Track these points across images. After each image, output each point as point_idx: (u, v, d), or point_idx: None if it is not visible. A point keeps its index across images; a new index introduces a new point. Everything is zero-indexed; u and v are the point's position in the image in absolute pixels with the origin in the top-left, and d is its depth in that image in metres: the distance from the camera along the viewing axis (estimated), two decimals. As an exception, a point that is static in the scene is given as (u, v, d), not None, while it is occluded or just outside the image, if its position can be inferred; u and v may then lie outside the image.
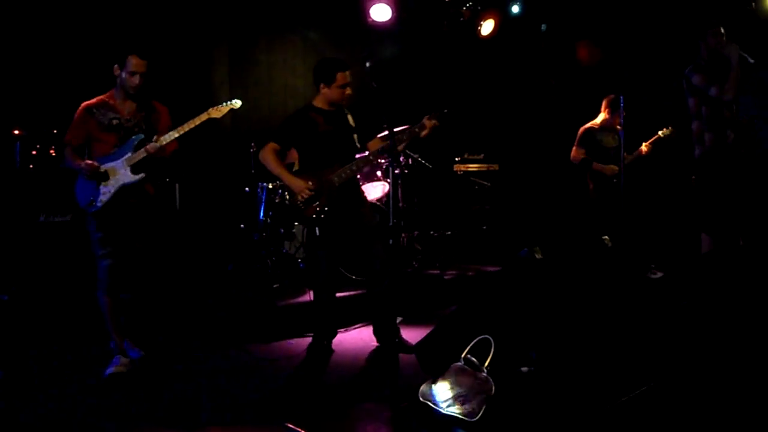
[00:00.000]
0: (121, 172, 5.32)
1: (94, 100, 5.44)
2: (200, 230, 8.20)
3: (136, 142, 5.35)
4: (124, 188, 5.32)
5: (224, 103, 5.53)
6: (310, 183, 5.66)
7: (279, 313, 6.83)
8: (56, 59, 7.38)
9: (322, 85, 5.82)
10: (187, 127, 5.35)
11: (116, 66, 5.35)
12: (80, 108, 5.40)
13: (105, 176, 5.30)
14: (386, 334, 5.81)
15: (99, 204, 5.29)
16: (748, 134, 8.36)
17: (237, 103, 5.58)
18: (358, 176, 6.11)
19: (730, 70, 6.60)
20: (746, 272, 5.54)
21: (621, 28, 10.56)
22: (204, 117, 5.40)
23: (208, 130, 5.58)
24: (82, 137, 5.41)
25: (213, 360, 5.84)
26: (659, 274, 7.71)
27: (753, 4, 9.14)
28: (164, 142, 5.32)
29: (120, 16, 7.66)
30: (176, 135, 5.34)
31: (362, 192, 6.13)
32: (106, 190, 5.30)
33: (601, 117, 8.48)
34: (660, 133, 8.58)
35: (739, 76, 6.55)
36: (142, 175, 5.33)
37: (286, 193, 5.81)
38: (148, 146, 5.31)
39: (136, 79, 5.32)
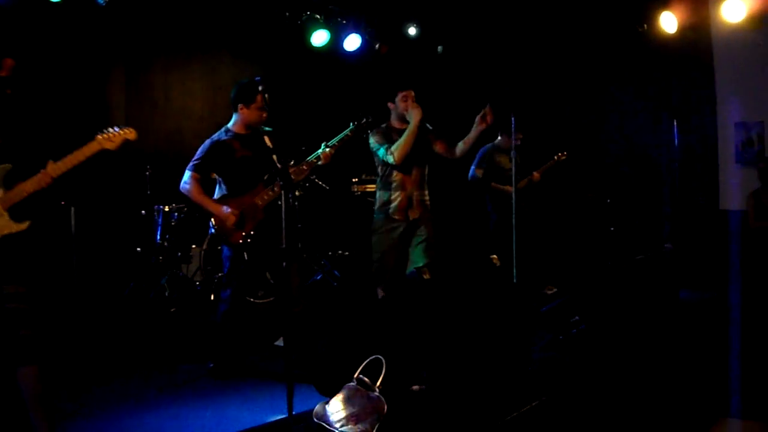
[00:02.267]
0: None
1: None
2: (96, 254, 8.06)
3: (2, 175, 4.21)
4: None
5: (114, 129, 4.57)
6: (235, 209, 5.68)
7: (177, 337, 6.77)
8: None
9: (241, 106, 5.82)
10: (75, 159, 4.34)
11: None
12: None
13: None
14: (302, 354, 5.77)
15: None
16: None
17: (132, 134, 4.62)
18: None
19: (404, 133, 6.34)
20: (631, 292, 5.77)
21: (516, 50, 10.82)
22: (95, 147, 4.46)
23: (103, 151, 5.40)
24: None
25: (109, 387, 5.75)
26: (554, 290, 7.92)
27: (644, 26, 9.44)
28: (56, 174, 4.25)
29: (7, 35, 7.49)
30: (66, 168, 4.29)
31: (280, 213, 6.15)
32: None
33: (499, 138, 8.66)
34: (555, 158, 8.81)
35: (412, 140, 6.26)
36: (28, 223, 4.24)
37: (212, 220, 5.76)
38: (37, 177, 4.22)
39: None
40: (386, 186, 6.53)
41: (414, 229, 6.45)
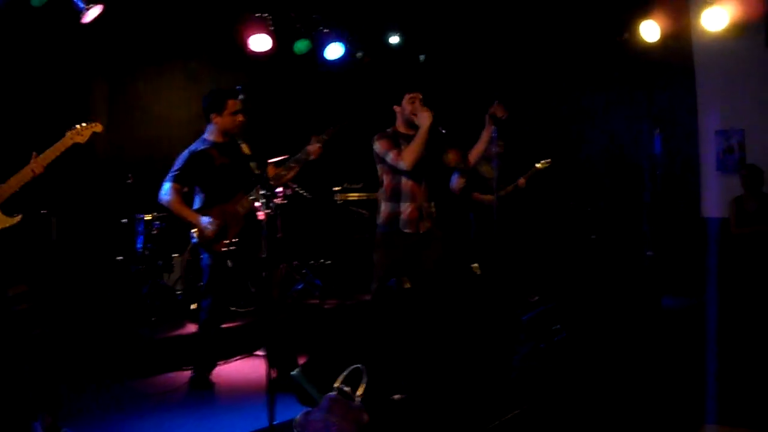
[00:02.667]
0: None
1: None
2: (77, 263, 8.01)
3: None
4: None
5: (82, 124, 5.00)
6: (216, 218, 5.67)
7: (158, 346, 6.74)
8: None
9: (213, 115, 5.82)
10: (52, 154, 4.79)
11: None
12: None
13: None
14: (284, 364, 5.75)
15: None
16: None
17: (98, 127, 5.10)
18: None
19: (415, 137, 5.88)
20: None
21: (499, 58, 10.85)
22: (68, 142, 4.88)
23: (85, 160, 5.41)
24: None
25: (90, 394, 5.72)
26: (535, 298, 7.93)
27: (625, 35, 9.47)
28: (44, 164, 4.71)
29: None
30: (46, 161, 4.73)
31: (260, 221, 6.14)
32: None
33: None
34: (538, 165, 8.81)
35: (423, 143, 5.80)
36: (19, 217, 4.70)
37: (194, 231, 5.73)
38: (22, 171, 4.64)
39: None
40: (394, 196, 6.02)
41: (424, 243, 5.98)
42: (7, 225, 4.64)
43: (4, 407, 4.47)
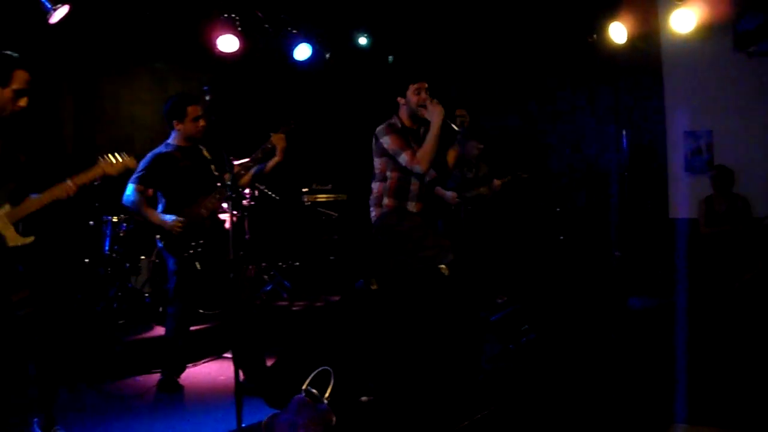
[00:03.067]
0: None
1: None
2: (44, 265, 7.92)
3: None
4: None
5: (116, 157, 4.76)
6: (180, 220, 5.62)
7: (126, 349, 6.69)
8: None
9: (175, 122, 5.78)
10: (85, 179, 4.66)
11: None
12: None
13: None
14: (252, 366, 5.72)
15: None
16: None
17: (132, 163, 4.91)
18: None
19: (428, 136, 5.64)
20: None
21: (467, 59, 10.87)
22: (100, 171, 4.69)
23: (51, 162, 5.32)
24: None
25: (60, 398, 5.66)
26: (504, 299, 7.94)
27: (594, 36, 9.51)
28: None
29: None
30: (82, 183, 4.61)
31: (223, 222, 6.12)
32: None
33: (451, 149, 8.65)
34: (516, 174, 8.83)
35: (436, 144, 5.58)
36: (32, 238, 4.57)
37: (158, 235, 5.70)
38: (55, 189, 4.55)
39: None
40: (400, 195, 5.78)
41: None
42: (19, 244, 4.52)
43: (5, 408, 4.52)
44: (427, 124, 5.65)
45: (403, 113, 5.85)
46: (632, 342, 6.17)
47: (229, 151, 5.00)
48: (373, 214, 5.96)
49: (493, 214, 8.63)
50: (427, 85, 5.72)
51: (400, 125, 5.80)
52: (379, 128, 5.81)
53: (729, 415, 4.80)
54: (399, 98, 5.84)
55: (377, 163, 5.91)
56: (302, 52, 9.47)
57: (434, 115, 5.51)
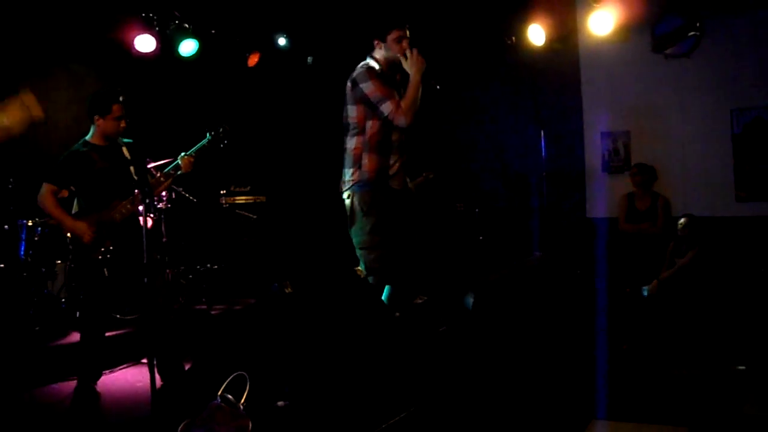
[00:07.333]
0: None
1: None
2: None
3: None
4: None
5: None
6: (92, 225, 5.53)
7: (42, 355, 6.56)
8: None
9: (97, 118, 5.68)
10: None
11: None
12: None
13: None
14: (170, 371, 5.65)
15: None
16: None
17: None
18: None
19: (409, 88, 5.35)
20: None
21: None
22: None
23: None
24: None
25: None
26: (423, 299, 7.96)
27: (512, 38, 9.61)
28: None
29: None
30: None
31: (141, 226, 6.03)
32: None
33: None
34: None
35: (418, 95, 5.34)
36: None
37: (68, 237, 5.60)
38: None
39: None
40: (382, 149, 5.38)
41: (405, 201, 5.58)
42: None
43: None
44: (400, 69, 5.40)
45: (379, 56, 5.50)
46: (552, 338, 6.24)
47: (147, 152, 4.96)
48: (348, 176, 5.53)
49: (411, 215, 8.65)
50: (409, 35, 5.39)
51: (378, 69, 5.44)
52: (357, 72, 5.43)
53: (648, 409, 4.89)
54: (376, 41, 5.48)
55: (352, 111, 5.45)
56: (187, 47, 9.25)
57: (416, 66, 5.26)
